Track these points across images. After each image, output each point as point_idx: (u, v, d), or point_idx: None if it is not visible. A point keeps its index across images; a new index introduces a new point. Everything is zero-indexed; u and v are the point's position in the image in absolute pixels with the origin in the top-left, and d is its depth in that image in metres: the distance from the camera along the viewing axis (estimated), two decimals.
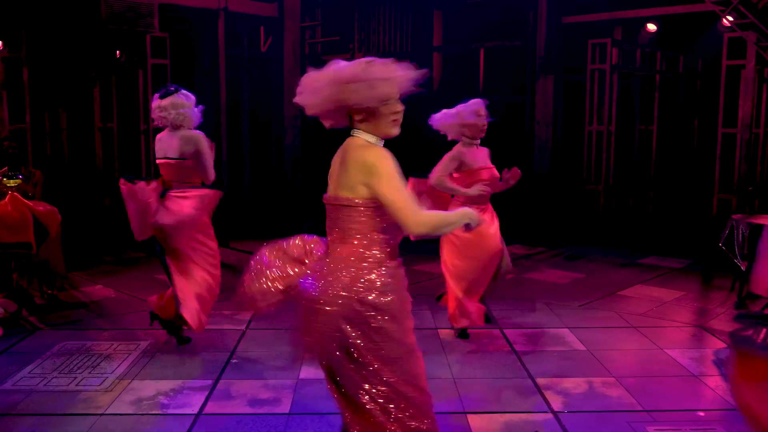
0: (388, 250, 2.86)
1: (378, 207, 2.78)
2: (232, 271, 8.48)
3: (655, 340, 5.83)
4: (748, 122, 9.10)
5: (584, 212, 10.67)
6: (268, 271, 2.98)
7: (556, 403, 4.55)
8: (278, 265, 2.98)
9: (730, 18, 8.69)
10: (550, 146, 10.67)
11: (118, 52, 9.77)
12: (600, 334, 6.02)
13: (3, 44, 8.88)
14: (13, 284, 6.77)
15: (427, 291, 7.40)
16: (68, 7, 8.89)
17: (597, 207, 10.60)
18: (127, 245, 9.16)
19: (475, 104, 5.50)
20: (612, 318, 6.52)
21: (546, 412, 4.42)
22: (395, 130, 2.90)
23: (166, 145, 5.43)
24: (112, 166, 10.17)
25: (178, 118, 5.38)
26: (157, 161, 5.52)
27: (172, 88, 5.48)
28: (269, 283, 2.97)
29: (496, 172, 5.57)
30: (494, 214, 5.64)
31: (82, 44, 9.29)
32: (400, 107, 2.88)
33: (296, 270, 2.97)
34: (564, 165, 10.92)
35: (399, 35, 13.12)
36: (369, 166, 2.74)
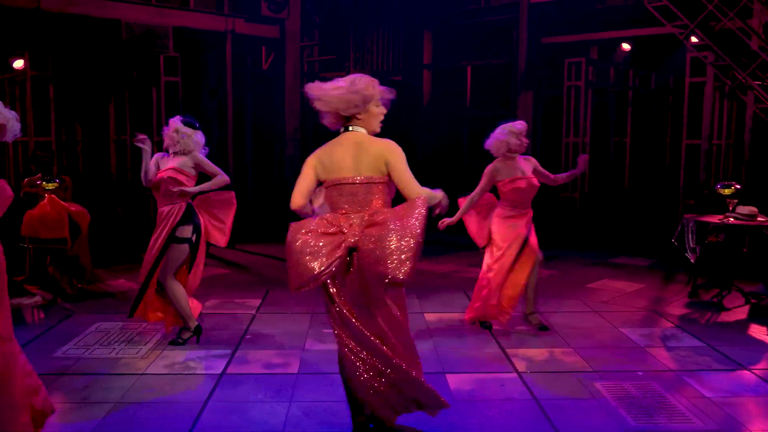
0: None
1: (389, 182, 3.75)
2: (239, 269, 9.41)
3: (611, 321, 6.73)
4: (708, 134, 10.03)
5: (561, 217, 11.57)
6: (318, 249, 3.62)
7: (521, 365, 5.43)
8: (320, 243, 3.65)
9: (695, 39, 9.62)
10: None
11: (135, 72, 10.67)
12: (565, 317, 6.90)
13: (29, 64, 9.74)
14: (47, 276, 7.64)
15: (415, 284, 8.29)
16: (92, 30, 9.78)
17: (573, 212, 11.51)
18: (142, 247, 10.02)
19: (514, 125, 6.20)
20: (577, 305, 7.41)
21: (511, 372, 5.30)
22: (378, 128, 3.89)
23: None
24: (125, 177, 11.04)
25: (188, 147, 5.82)
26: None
27: (197, 124, 5.93)
28: (324, 259, 3.60)
29: (534, 181, 6.25)
30: (529, 222, 6.35)
31: (103, 64, 10.19)
32: (383, 111, 3.87)
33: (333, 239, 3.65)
34: None
35: (392, 54, 14.08)
36: (389, 151, 3.71)
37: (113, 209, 11.08)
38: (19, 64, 9.75)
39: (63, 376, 5.14)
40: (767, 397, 4.89)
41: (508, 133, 6.11)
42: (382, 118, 3.90)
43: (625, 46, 12.01)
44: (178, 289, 5.81)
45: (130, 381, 5.05)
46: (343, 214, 3.76)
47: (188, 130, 5.81)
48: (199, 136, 5.86)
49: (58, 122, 10.20)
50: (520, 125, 6.18)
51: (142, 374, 5.19)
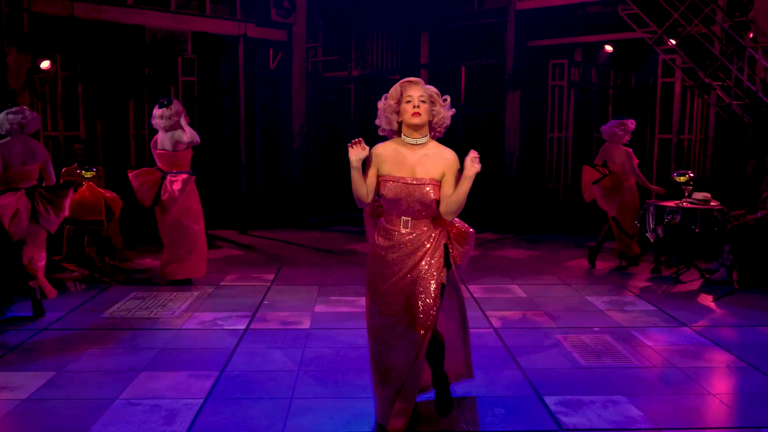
0: None
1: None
2: (252, 250, 10.41)
3: (579, 291, 7.74)
4: (678, 129, 11.04)
5: (546, 206, 12.58)
6: None
7: (497, 323, 6.45)
8: None
9: (673, 41, 10.56)
10: (518, 150, 12.58)
11: (150, 70, 11.66)
12: (540, 288, 7.92)
13: (53, 64, 10.66)
14: (84, 254, 8.64)
15: None
16: (119, 35, 10.76)
17: (557, 201, 12.52)
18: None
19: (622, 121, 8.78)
20: (552, 278, 8.43)
21: (488, 328, 6.31)
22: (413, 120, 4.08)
23: (165, 141, 7.81)
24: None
25: (172, 124, 7.64)
26: (157, 152, 7.89)
27: (165, 101, 7.74)
28: None
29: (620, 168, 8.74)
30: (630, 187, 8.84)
31: (128, 65, 11.19)
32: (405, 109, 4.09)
33: None
34: (529, 166, 12.84)
35: (390, 54, 15.09)
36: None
37: (132, 198, 12.04)
38: (45, 64, 10.64)
39: (113, 330, 6.15)
40: (699, 345, 5.89)
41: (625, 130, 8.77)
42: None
43: (608, 48, 12.97)
44: None
45: (169, 334, 6.06)
46: None
47: (165, 111, 7.63)
48: (175, 107, 7.64)
49: (86, 118, 11.19)
50: (632, 124, 8.86)
51: (179, 329, 6.21)
